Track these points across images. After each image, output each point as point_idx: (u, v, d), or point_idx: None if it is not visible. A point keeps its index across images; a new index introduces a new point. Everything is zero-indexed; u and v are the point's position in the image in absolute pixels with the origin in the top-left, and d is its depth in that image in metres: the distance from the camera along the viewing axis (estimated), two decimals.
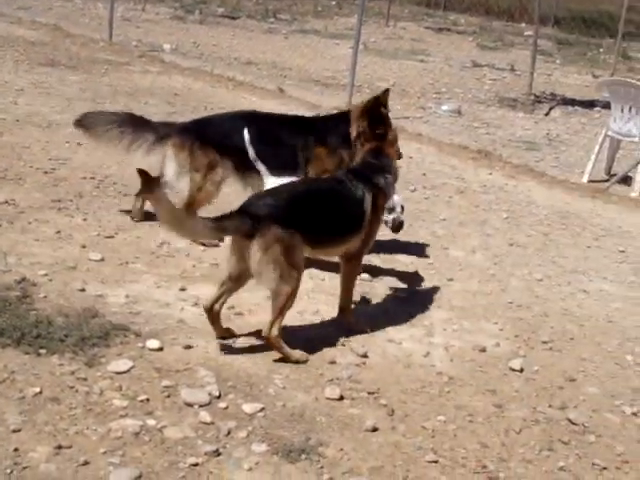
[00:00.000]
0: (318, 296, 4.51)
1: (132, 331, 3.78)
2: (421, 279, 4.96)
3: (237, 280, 3.77)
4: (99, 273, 4.43)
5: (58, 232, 4.91)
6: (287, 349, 3.73)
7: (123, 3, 16.64)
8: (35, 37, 12.06)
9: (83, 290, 4.18)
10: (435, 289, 4.83)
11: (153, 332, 3.82)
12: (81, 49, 11.53)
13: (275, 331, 3.68)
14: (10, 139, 6.67)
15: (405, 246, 5.49)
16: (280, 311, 3.68)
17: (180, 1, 18.46)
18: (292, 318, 4.19)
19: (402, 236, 5.66)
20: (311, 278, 4.74)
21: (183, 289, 4.37)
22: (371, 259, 5.15)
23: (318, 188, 4.08)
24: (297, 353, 3.76)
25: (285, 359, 3.71)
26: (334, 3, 22.03)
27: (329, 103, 9.62)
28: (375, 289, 4.72)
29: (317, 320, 4.22)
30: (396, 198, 4.97)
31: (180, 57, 11.78)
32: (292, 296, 3.69)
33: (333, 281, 4.73)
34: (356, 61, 9.72)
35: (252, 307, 4.27)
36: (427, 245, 5.57)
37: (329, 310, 4.34)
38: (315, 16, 19.29)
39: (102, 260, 4.60)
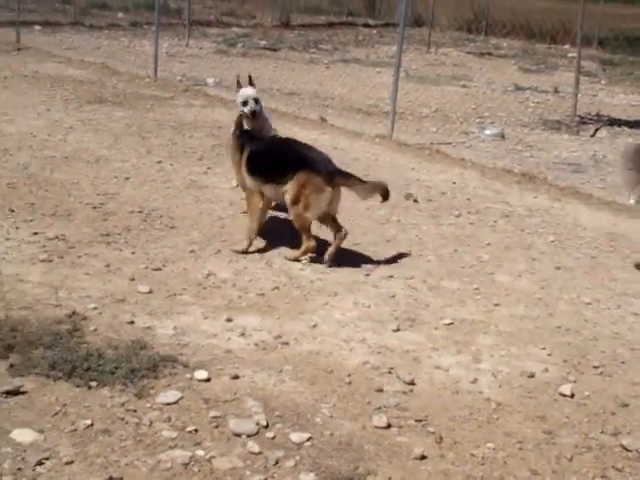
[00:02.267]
0: (364, 324, 4.51)
1: (180, 362, 3.83)
2: (467, 305, 4.93)
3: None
4: (147, 305, 4.50)
5: (107, 266, 5.01)
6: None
7: (168, 40, 16.97)
8: (83, 76, 12.36)
9: (132, 322, 4.25)
10: (481, 314, 4.80)
11: (201, 363, 3.86)
12: (127, 86, 11.79)
13: None
14: (60, 176, 6.83)
15: (450, 272, 5.46)
16: None
17: (223, 35, 18.77)
18: (337, 346, 4.20)
19: (447, 262, 5.64)
20: (356, 305, 4.75)
21: (229, 320, 4.40)
22: (416, 284, 5.14)
23: None
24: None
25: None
26: (375, 32, 22.17)
27: (371, 131, 9.66)
28: (421, 316, 4.70)
29: (363, 348, 4.22)
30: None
31: (223, 90, 11.94)
32: None
33: (379, 308, 4.74)
34: (397, 88, 9.75)
35: (297, 336, 4.28)
36: (473, 270, 5.54)
37: (375, 338, 4.34)
38: (356, 45, 19.42)
39: (150, 292, 4.67)
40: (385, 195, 5.45)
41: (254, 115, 6.10)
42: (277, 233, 5.91)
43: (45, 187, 6.48)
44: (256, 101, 6.11)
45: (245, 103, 6.10)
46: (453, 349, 4.30)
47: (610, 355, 4.37)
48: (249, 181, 5.54)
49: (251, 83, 6.21)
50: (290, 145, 5.61)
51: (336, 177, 5.31)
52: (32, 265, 4.91)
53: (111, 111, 9.79)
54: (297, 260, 5.43)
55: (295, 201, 5.33)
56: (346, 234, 5.48)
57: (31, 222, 5.66)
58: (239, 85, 6.26)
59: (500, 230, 6.50)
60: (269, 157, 5.50)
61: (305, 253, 5.43)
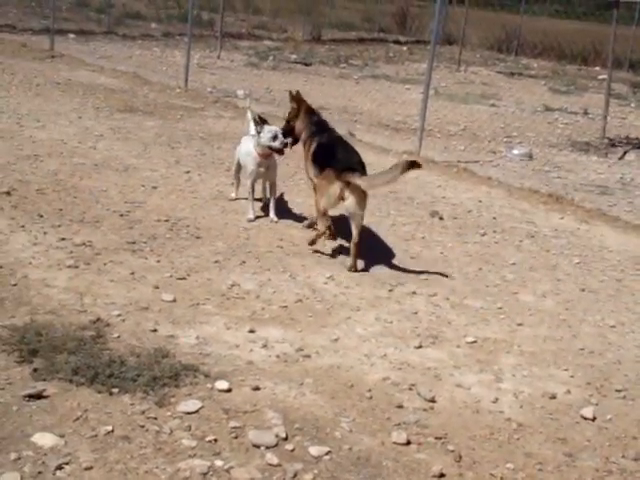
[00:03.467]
0: (386, 340, 4.51)
1: (201, 372, 3.84)
2: (490, 324, 4.91)
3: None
4: (171, 314, 4.52)
5: (132, 273, 5.05)
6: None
7: (199, 51, 17.11)
8: (115, 85, 12.49)
9: (155, 330, 4.27)
10: (505, 334, 4.77)
11: (222, 373, 3.87)
12: (158, 95, 11.89)
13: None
14: (89, 183, 6.90)
15: (474, 290, 5.44)
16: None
17: (254, 48, 18.89)
18: (358, 361, 4.19)
19: (471, 280, 5.62)
20: (378, 320, 4.75)
21: (252, 331, 4.42)
22: (439, 302, 5.13)
23: None
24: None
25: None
26: (405, 49, 22.22)
27: (399, 147, 9.67)
28: (443, 333, 4.68)
29: (384, 364, 4.21)
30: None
31: (254, 103, 11.99)
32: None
33: (401, 324, 4.73)
34: (426, 105, 9.75)
35: (319, 349, 4.29)
36: (497, 289, 5.52)
37: (397, 354, 4.33)
38: (386, 61, 19.47)
39: (174, 301, 4.70)
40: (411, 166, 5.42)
41: (283, 150, 6.31)
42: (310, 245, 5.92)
43: (74, 194, 6.54)
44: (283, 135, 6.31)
45: (275, 137, 6.24)
46: (475, 368, 4.28)
47: (633, 379, 4.33)
48: (312, 169, 6.01)
49: (263, 120, 6.40)
50: (334, 143, 6.00)
51: (344, 173, 5.55)
52: (59, 270, 4.95)
53: (141, 120, 9.88)
54: (313, 243, 5.85)
55: (315, 189, 5.91)
56: (356, 243, 5.62)
57: (59, 228, 5.71)
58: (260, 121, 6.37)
59: (525, 250, 6.46)
60: (322, 151, 5.94)
61: (316, 238, 5.85)
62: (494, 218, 7.27)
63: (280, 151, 6.33)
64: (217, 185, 7.30)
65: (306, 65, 17.49)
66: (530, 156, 10.11)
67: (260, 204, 6.78)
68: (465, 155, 9.81)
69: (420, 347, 4.46)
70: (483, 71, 19.17)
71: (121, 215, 6.17)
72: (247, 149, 6.54)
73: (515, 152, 10.15)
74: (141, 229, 5.92)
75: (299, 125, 6.29)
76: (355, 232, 5.63)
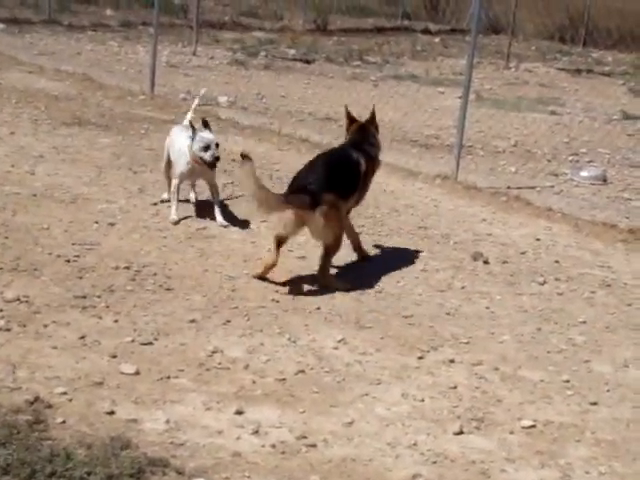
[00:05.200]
0: (415, 423, 4.50)
1: (173, 467, 3.84)
2: (554, 402, 4.90)
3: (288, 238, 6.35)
4: (132, 391, 4.53)
5: (82, 337, 5.06)
6: (335, 283, 6.33)
7: (169, 45, 17.32)
8: (59, 90, 12.62)
9: (112, 413, 4.27)
10: (573, 416, 4.76)
11: (200, 469, 3.87)
12: (115, 104, 12.01)
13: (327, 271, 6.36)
14: (25, 219, 6.96)
15: (532, 357, 5.44)
16: (331, 256, 6.37)
17: (240, 42, 19.07)
18: (379, 452, 4.18)
19: (527, 344, 5.63)
20: (405, 397, 4.75)
21: (240, 412, 4.42)
22: (486, 373, 5.13)
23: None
24: (343, 284, 6.31)
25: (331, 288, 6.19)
26: (438, 40, 22.40)
27: (430, 170, 9.72)
28: (492, 415, 4.68)
29: (414, 456, 4.20)
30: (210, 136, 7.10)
31: (240, 112, 12.14)
32: (341, 241, 6.46)
33: (436, 402, 4.73)
34: (466, 115, 9.82)
35: (328, 436, 4.29)
36: (562, 356, 5.51)
37: (430, 443, 4.32)
38: (413, 57, 19.65)
39: (137, 374, 4.70)
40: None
41: (214, 164, 7.19)
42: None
43: (5, 233, 6.59)
44: (217, 147, 7.22)
45: (207, 148, 7.06)
46: (535, 461, 4.26)
47: None
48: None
49: (207, 126, 7.22)
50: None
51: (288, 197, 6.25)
52: None
53: (94, 136, 9.97)
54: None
55: None
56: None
57: None
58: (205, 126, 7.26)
59: (599, 304, 6.47)
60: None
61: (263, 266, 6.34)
62: (557, 262, 7.29)
63: (210, 165, 7.19)
64: (193, 221, 7.35)
65: (308, 63, 17.66)
66: (604, 179, 10.15)
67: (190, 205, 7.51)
68: (517, 179, 9.86)
69: (461, 433, 4.45)
70: (540, 68, 19.32)
71: (67, 261, 6.21)
72: (180, 146, 7.31)
73: (584, 174, 10.19)
74: (94, 279, 5.95)
75: None
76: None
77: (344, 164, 6.65)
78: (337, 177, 6.41)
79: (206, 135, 7.11)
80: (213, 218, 7.37)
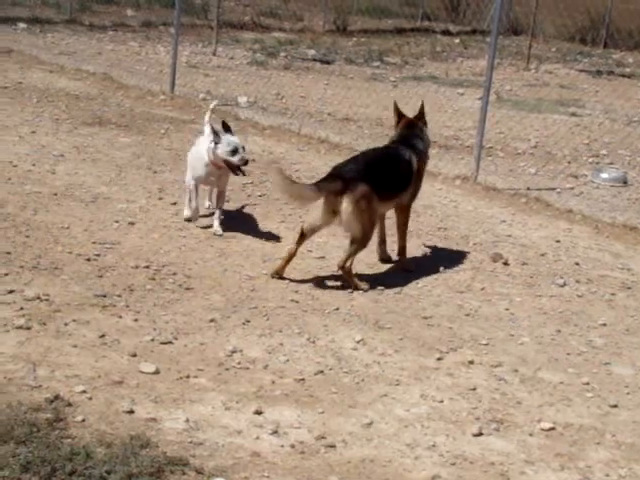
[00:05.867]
0: (434, 425, 4.50)
1: (192, 467, 3.84)
2: (573, 405, 4.88)
3: (316, 230, 6.38)
4: (152, 390, 4.54)
5: (102, 336, 5.08)
6: (355, 280, 6.25)
7: (189, 46, 17.35)
8: (80, 89, 12.67)
9: (131, 412, 4.28)
10: (594, 418, 4.74)
11: (219, 468, 3.87)
12: (136, 104, 12.05)
13: (349, 263, 6.25)
14: (46, 218, 6.99)
15: (551, 359, 5.43)
16: (356, 250, 6.28)
17: (260, 42, 19.10)
18: (398, 453, 4.18)
19: (547, 346, 5.61)
20: (424, 398, 4.74)
21: (259, 412, 4.42)
22: (505, 375, 5.11)
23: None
24: (361, 283, 6.26)
25: (351, 286, 6.20)
26: (457, 41, 22.37)
27: (450, 171, 9.71)
28: (511, 417, 4.67)
29: (433, 457, 4.20)
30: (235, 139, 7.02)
31: (259, 113, 12.15)
32: (369, 239, 6.39)
33: (455, 404, 4.72)
34: (486, 116, 9.80)
35: (347, 437, 4.28)
36: (582, 359, 5.50)
37: (449, 444, 4.31)
38: (432, 58, 19.63)
39: (156, 373, 4.72)
40: None
41: (243, 167, 7.07)
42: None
43: (26, 232, 6.62)
44: (244, 150, 7.13)
45: (235, 151, 6.93)
46: (555, 464, 4.25)
47: None
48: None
49: (229, 129, 7.12)
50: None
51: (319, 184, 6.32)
52: (5, 333, 4.99)
53: (114, 136, 10.01)
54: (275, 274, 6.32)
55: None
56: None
57: (6, 277, 5.77)
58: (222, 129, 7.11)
59: (620, 306, 6.44)
60: None
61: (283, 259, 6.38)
62: (577, 264, 7.26)
63: (236, 169, 7.04)
64: (212, 220, 7.36)
65: (328, 64, 17.67)
66: (625, 181, 10.11)
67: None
68: (537, 181, 9.83)
69: (480, 435, 4.44)
70: (561, 69, 19.27)
71: (88, 260, 6.23)
72: (198, 152, 7.20)
73: (604, 176, 10.16)
74: (114, 278, 5.97)
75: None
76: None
77: (390, 160, 6.68)
78: (378, 171, 6.42)
79: (233, 139, 7.01)
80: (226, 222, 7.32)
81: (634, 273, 7.16)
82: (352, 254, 6.29)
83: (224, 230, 7.13)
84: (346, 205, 6.14)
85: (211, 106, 7.94)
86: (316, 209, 6.28)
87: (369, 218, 6.29)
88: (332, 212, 6.21)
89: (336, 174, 6.33)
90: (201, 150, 7.15)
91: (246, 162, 7.00)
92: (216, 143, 6.94)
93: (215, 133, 6.99)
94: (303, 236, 6.32)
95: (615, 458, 4.37)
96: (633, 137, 12.54)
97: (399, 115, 7.15)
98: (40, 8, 20.63)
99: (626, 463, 4.33)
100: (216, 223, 7.15)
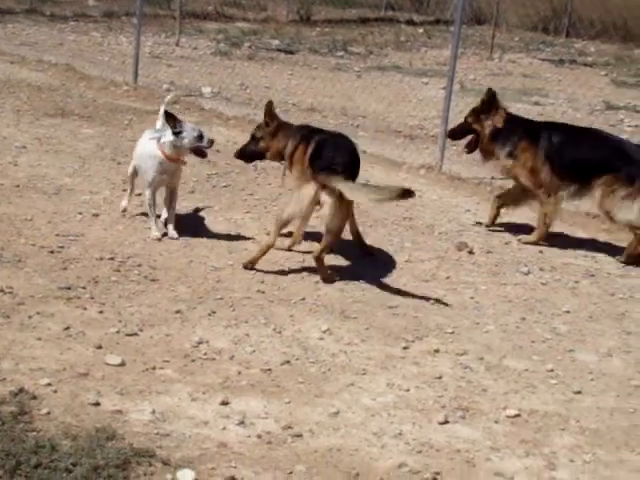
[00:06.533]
0: (401, 413, 4.52)
1: (159, 458, 3.84)
2: (538, 392, 4.92)
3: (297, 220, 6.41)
4: (118, 382, 4.53)
5: (67, 329, 5.06)
6: (327, 271, 6.24)
7: (152, 36, 17.25)
8: (42, 80, 12.57)
9: (97, 404, 4.27)
10: (558, 405, 4.78)
11: (186, 459, 3.87)
12: (99, 95, 11.97)
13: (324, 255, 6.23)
14: (8, 210, 6.93)
15: (516, 347, 5.46)
16: (333, 241, 6.30)
17: (224, 32, 19.02)
18: (365, 442, 4.19)
19: (512, 334, 5.64)
20: (390, 387, 4.76)
21: (225, 403, 4.43)
22: (470, 363, 5.14)
23: None
24: (330, 274, 6.26)
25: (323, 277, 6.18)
26: (421, 31, 22.40)
27: (415, 160, 9.73)
28: (477, 404, 4.70)
29: (399, 445, 4.22)
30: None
31: (224, 103, 12.11)
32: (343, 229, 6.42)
33: (421, 392, 4.74)
34: (450, 105, 9.83)
35: (313, 427, 4.29)
36: (546, 346, 5.54)
37: (415, 432, 4.33)
38: (397, 48, 19.64)
39: (122, 365, 4.71)
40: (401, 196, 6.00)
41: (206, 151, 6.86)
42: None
43: None
44: None
45: (201, 136, 6.67)
46: (520, 450, 4.28)
47: None
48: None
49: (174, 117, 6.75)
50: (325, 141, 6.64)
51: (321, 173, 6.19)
52: None
53: (77, 127, 9.94)
54: (250, 265, 6.29)
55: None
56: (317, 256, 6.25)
57: None
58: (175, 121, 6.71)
59: (583, 294, 6.49)
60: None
61: (261, 252, 6.33)
62: (540, 252, 7.31)
63: (203, 153, 6.80)
64: (178, 210, 7.32)
65: (292, 54, 17.65)
66: None
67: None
68: None
69: (446, 423, 4.46)
70: (524, 59, 19.35)
71: (51, 252, 6.20)
72: (149, 150, 6.75)
73: None
74: (78, 270, 5.94)
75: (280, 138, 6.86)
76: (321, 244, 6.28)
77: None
78: (354, 162, 6.61)
79: (191, 125, 6.79)
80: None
81: (597, 260, 7.22)
82: (328, 245, 6.30)
83: (185, 226, 6.98)
84: (329, 196, 6.11)
85: (166, 99, 7.80)
86: (301, 200, 6.20)
87: (347, 209, 6.36)
88: (317, 203, 6.21)
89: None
90: (151, 148, 6.73)
91: (212, 142, 6.81)
92: (179, 133, 6.58)
93: (173, 121, 6.62)
94: (284, 226, 6.36)
95: (579, 444, 4.41)
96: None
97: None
98: None
99: (590, 449, 4.37)
100: (171, 227, 6.81)
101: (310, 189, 6.16)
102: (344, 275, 6.34)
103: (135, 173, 7.10)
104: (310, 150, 6.51)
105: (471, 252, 7.10)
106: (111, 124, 10.26)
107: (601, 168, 7.26)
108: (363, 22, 23.34)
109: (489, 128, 7.69)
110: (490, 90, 7.83)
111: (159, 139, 6.68)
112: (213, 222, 7.22)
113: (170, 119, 6.64)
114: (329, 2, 24.81)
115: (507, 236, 7.61)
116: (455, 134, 8.12)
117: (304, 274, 6.31)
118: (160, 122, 7.14)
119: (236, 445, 4.06)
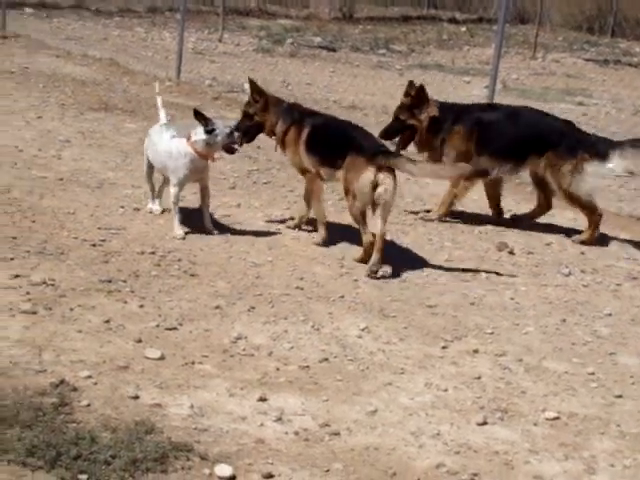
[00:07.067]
0: (439, 413, 4.49)
1: (197, 452, 3.85)
2: (578, 394, 4.88)
3: None
4: (157, 375, 4.54)
5: (107, 321, 5.08)
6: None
7: (195, 32, 17.35)
8: (86, 75, 12.67)
9: (136, 397, 4.29)
10: (598, 408, 4.74)
11: (224, 454, 3.87)
12: (142, 90, 12.04)
13: None
14: (51, 203, 6.99)
15: (556, 349, 5.42)
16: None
17: (266, 29, 19.09)
18: (402, 441, 4.18)
19: (552, 336, 5.60)
20: (428, 387, 4.74)
21: (263, 399, 4.42)
22: (510, 364, 5.11)
23: None
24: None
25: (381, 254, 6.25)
26: (464, 30, 22.33)
27: None
28: (516, 406, 4.66)
29: (437, 445, 4.20)
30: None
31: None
32: None
33: (460, 393, 4.71)
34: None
35: (351, 425, 4.28)
36: (587, 348, 5.49)
37: (453, 433, 4.31)
38: (439, 46, 19.60)
39: (161, 359, 4.72)
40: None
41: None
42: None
43: (32, 217, 6.62)
44: None
45: (232, 132, 6.61)
46: (559, 453, 4.24)
47: None
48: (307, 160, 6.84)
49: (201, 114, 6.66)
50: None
51: (379, 157, 6.30)
52: (10, 317, 5.00)
53: (120, 122, 10.00)
54: (363, 261, 6.38)
55: (345, 191, 6.50)
56: (384, 234, 6.35)
57: (12, 261, 5.78)
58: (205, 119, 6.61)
59: (625, 296, 6.44)
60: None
61: (367, 252, 6.36)
62: (582, 253, 7.26)
63: (233, 150, 6.74)
64: (219, 207, 7.35)
65: (334, 51, 17.65)
66: (631, 172, 10.07)
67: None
68: None
69: (484, 424, 4.43)
70: (567, 58, 19.23)
71: (93, 245, 6.24)
72: (179, 148, 6.63)
73: (611, 166, 10.12)
74: (119, 264, 5.97)
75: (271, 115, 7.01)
76: (382, 223, 6.34)
77: None
78: None
79: (219, 120, 6.72)
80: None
81: None
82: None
83: (225, 222, 7.05)
84: (388, 177, 6.28)
85: (157, 89, 7.67)
86: (362, 188, 6.28)
87: None
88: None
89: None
90: (179, 145, 6.63)
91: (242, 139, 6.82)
92: (212, 131, 6.49)
93: (205, 121, 6.50)
94: (364, 219, 6.41)
95: (620, 448, 4.36)
96: None
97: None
98: None
99: (630, 453, 4.32)
100: (208, 224, 6.78)
101: (369, 175, 6.24)
102: (383, 273, 6.32)
103: (151, 172, 7.06)
104: (305, 134, 6.75)
105: (511, 252, 7.06)
106: (154, 119, 10.26)
107: (538, 145, 7.55)
108: (405, 20, 23.33)
109: (426, 121, 7.65)
110: (411, 82, 7.81)
111: (188, 137, 6.60)
112: (253, 218, 7.23)
113: (200, 117, 6.54)
114: (371, 0, 24.78)
115: (548, 237, 7.55)
116: (389, 134, 7.81)
117: (343, 271, 6.31)
118: (162, 114, 7.17)
119: (273, 441, 4.06)
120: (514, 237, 7.44)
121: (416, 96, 7.65)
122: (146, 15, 19.68)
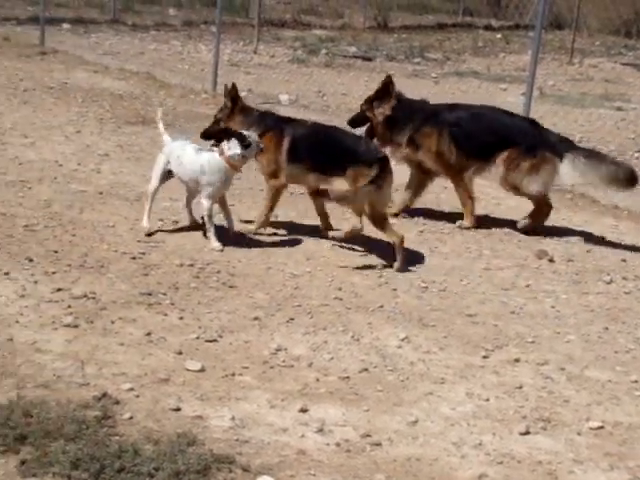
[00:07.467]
0: (481, 423, 4.47)
1: (239, 464, 3.85)
2: (622, 403, 4.84)
3: None
4: (198, 387, 4.56)
5: (148, 334, 5.11)
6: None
7: (231, 44, 17.43)
8: (123, 89, 12.77)
9: (178, 409, 4.31)
10: None
11: (265, 466, 3.88)
12: (178, 103, 12.11)
13: None
14: (91, 216, 7.05)
15: (599, 357, 5.38)
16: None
17: (301, 39, 19.15)
18: (444, 451, 4.16)
19: (594, 344, 5.56)
20: (469, 396, 4.72)
21: (304, 410, 4.43)
22: (552, 373, 5.08)
23: None
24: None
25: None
26: (500, 36, 22.28)
27: None
28: (559, 415, 4.63)
29: (479, 456, 4.18)
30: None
31: (301, 110, 12.14)
32: None
33: (501, 402, 4.69)
34: (529, 111, 9.76)
35: (392, 435, 4.27)
36: (630, 356, 5.44)
37: (496, 443, 4.29)
38: (474, 54, 19.55)
39: (202, 371, 4.74)
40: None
41: None
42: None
43: (72, 231, 6.68)
44: None
45: (259, 145, 6.70)
46: (604, 463, 4.21)
47: None
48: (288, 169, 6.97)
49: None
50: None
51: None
52: (53, 331, 5.04)
53: (158, 135, 10.02)
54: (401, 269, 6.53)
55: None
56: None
57: (53, 275, 5.83)
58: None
59: None
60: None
61: (401, 252, 6.52)
62: (623, 260, 7.20)
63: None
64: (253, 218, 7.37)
65: (369, 60, 17.66)
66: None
67: None
68: None
69: (527, 434, 4.41)
70: (605, 63, 19.11)
71: (133, 258, 6.28)
72: (214, 163, 6.65)
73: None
74: (159, 276, 6.01)
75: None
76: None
77: None
78: None
79: (250, 133, 6.71)
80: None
81: None
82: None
83: (263, 234, 7.09)
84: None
85: (159, 114, 7.56)
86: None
87: None
88: None
89: None
90: (212, 159, 6.65)
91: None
92: (248, 145, 6.54)
93: (242, 137, 6.54)
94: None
95: None
96: None
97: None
98: (84, 9, 20.88)
99: None
100: (233, 228, 6.85)
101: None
102: (421, 282, 6.31)
103: (157, 189, 7.01)
104: (286, 143, 6.87)
105: (551, 260, 7.02)
106: (191, 131, 10.35)
107: (503, 144, 7.62)
108: (440, 28, 23.32)
109: (380, 116, 7.77)
110: (388, 77, 8.08)
111: (221, 152, 6.60)
112: (290, 229, 7.24)
113: (237, 135, 6.57)
114: (406, 8, 24.81)
115: (588, 244, 7.50)
116: (354, 122, 8.02)
117: (381, 281, 6.30)
118: (161, 127, 7.25)
119: (315, 453, 4.06)
120: (553, 244, 7.40)
121: (380, 90, 7.84)
122: (182, 28, 19.81)
